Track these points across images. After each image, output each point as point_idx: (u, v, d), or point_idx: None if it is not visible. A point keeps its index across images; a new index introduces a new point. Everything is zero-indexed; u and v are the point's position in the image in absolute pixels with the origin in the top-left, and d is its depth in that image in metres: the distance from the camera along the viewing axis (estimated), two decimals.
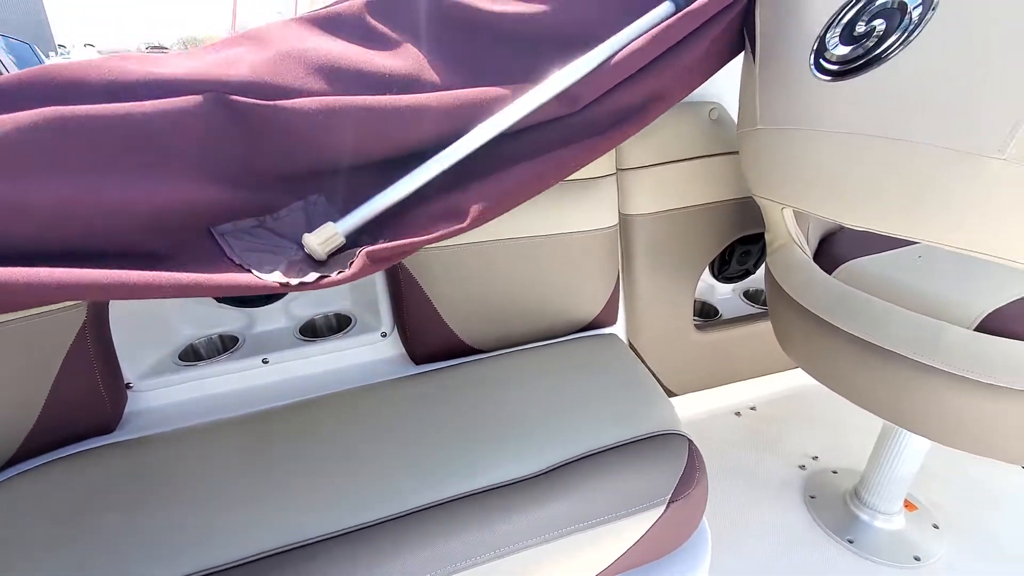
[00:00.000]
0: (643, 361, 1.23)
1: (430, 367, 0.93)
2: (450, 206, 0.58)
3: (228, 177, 0.53)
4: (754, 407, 1.44)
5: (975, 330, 0.70)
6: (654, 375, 1.26)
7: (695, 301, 1.47)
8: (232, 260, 0.52)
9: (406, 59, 0.58)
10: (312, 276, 0.53)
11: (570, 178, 0.94)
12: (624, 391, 0.80)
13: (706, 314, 1.42)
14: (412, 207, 0.60)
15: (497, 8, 0.60)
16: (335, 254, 0.58)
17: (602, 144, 0.63)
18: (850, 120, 0.56)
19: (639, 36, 0.61)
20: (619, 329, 1.21)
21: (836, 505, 1.12)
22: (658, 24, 0.61)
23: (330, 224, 0.57)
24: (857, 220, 0.60)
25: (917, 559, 1.01)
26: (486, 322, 0.95)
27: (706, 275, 1.46)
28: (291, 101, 0.52)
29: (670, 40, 0.60)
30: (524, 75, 0.61)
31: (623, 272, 1.16)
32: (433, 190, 0.59)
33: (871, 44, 0.53)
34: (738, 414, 1.42)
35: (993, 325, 0.70)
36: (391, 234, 0.58)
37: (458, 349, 0.95)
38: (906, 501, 1.11)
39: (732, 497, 1.16)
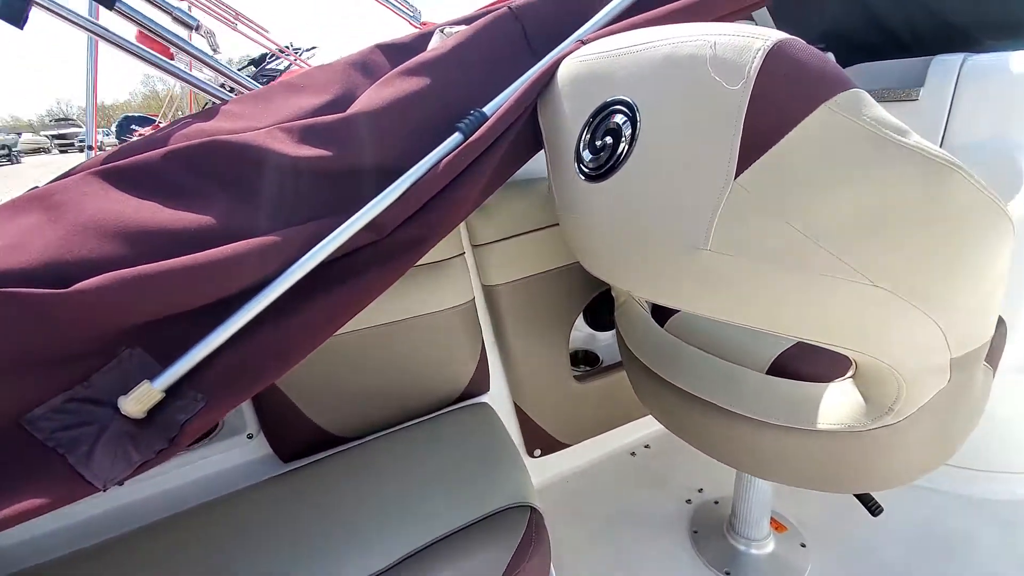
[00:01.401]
0: (530, 419, 1.28)
1: (298, 463, 0.93)
2: (278, 339, 0.60)
3: (25, 362, 0.51)
4: (648, 445, 1.51)
5: (767, 373, 0.79)
6: (544, 431, 1.31)
7: (577, 352, 1.55)
8: (46, 446, 0.51)
9: (213, 208, 0.61)
10: (132, 460, 0.53)
11: (419, 263, 0.99)
12: (481, 466, 0.84)
13: (589, 362, 1.50)
14: (239, 345, 0.60)
15: (293, 152, 0.65)
16: (156, 410, 0.57)
17: (412, 257, 0.68)
18: (606, 212, 0.65)
19: (432, 167, 0.67)
20: (501, 393, 1.25)
21: (716, 537, 1.18)
22: (448, 154, 0.68)
23: (145, 383, 0.56)
24: (632, 289, 0.69)
25: None
26: (351, 411, 0.96)
27: (585, 326, 1.55)
28: (88, 283, 0.51)
29: (460, 167, 0.68)
30: (331, 209, 0.66)
31: (497, 339, 1.22)
32: (258, 326, 0.60)
33: (606, 156, 0.63)
34: (633, 454, 1.48)
35: (780, 368, 0.80)
36: (219, 380, 0.58)
37: (325, 442, 0.96)
38: (774, 522, 1.19)
39: (621, 540, 1.21)
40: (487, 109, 0.71)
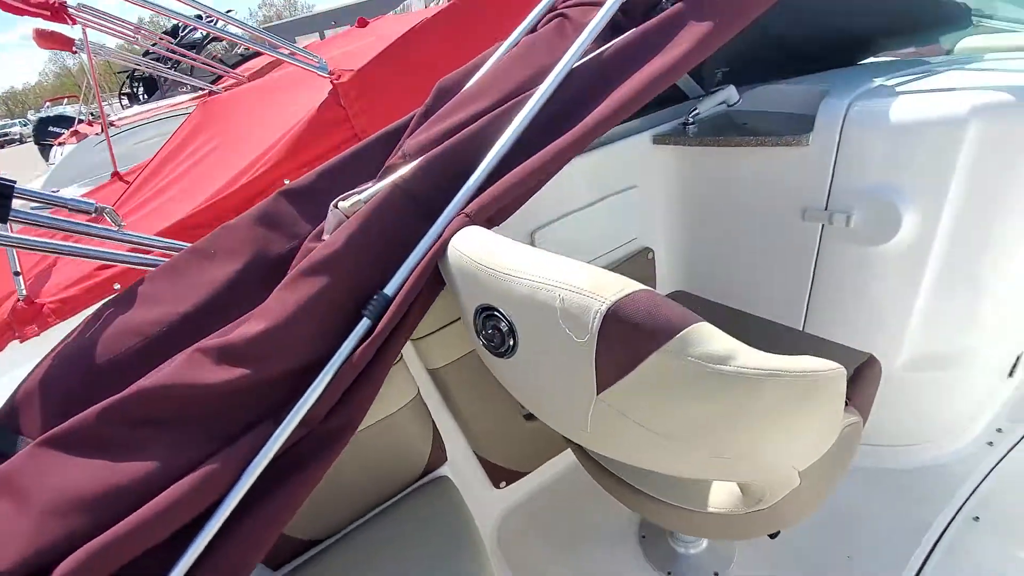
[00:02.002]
0: (491, 461, 1.42)
1: (285, 570, 1.06)
2: (232, 552, 0.69)
3: None
4: None
5: None
6: (504, 467, 1.46)
7: None
8: None
9: (153, 454, 0.68)
10: None
11: None
12: (440, 561, 0.98)
13: None
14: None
15: (214, 378, 0.72)
16: None
17: (345, 438, 0.78)
18: (514, 378, 0.75)
19: (347, 358, 0.75)
20: (460, 449, 1.38)
21: (660, 541, 1.38)
22: (359, 343, 0.76)
23: None
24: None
25: (716, 574, 1.29)
26: (319, 515, 1.08)
27: None
28: (65, 567, 0.59)
29: (371, 354, 0.76)
30: (261, 417, 0.74)
31: (450, 408, 1.33)
32: (209, 551, 0.67)
33: (497, 343, 0.72)
34: None
35: None
36: None
37: (300, 546, 1.08)
38: None
39: (579, 550, 1.40)
40: (389, 289, 0.78)
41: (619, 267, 1.46)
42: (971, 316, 1.28)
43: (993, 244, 1.17)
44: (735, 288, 1.53)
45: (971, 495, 1.36)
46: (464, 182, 0.83)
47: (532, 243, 1.31)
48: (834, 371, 0.69)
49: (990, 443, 1.48)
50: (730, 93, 1.33)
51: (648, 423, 0.63)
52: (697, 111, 1.37)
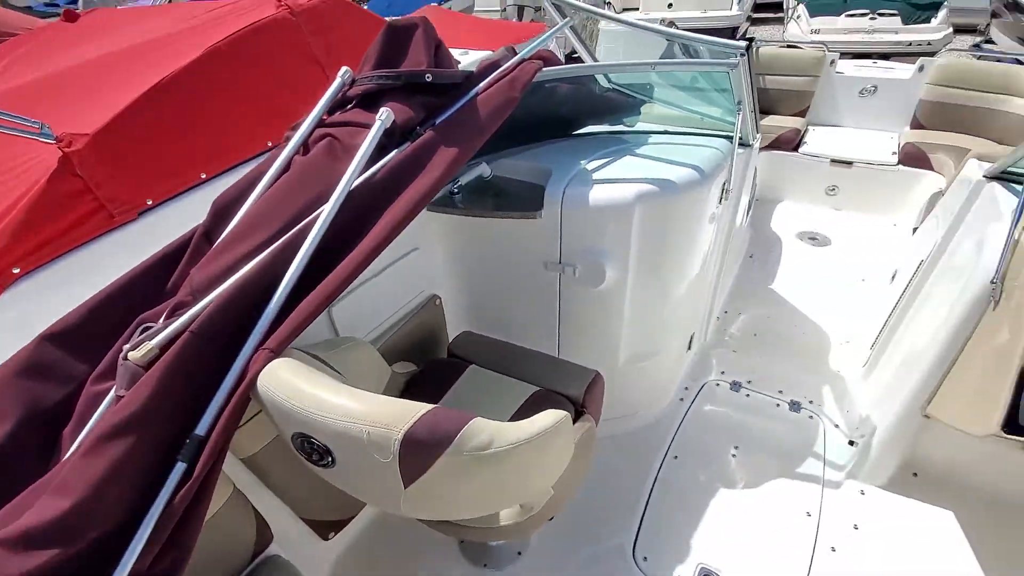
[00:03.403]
0: (317, 520, 1.52)
1: None
2: None
3: None
4: None
5: None
6: (330, 520, 1.57)
7: None
8: None
9: None
10: None
11: None
12: None
13: None
14: None
15: None
16: None
17: None
18: (330, 478, 0.91)
19: (166, 507, 0.80)
20: (287, 523, 1.44)
21: (476, 542, 1.68)
22: (173, 493, 0.81)
23: None
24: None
25: (519, 553, 1.64)
26: None
27: None
28: None
29: (186, 501, 0.82)
30: None
31: (272, 488, 1.38)
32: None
33: (318, 457, 0.86)
34: None
35: None
36: None
37: None
38: None
39: (410, 569, 1.61)
40: (201, 429, 0.84)
41: (414, 317, 1.67)
42: (658, 323, 1.85)
43: (661, 278, 1.71)
44: (509, 324, 1.87)
45: (672, 440, 1.97)
46: (260, 315, 0.92)
47: (331, 319, 1.42)
48: (562, 420, 1.01)
49: (681, 399, 2.14)
50: (484, 168, 1.62)
51: (448, 496, 0.86)
52: (458, 180, 1.63)
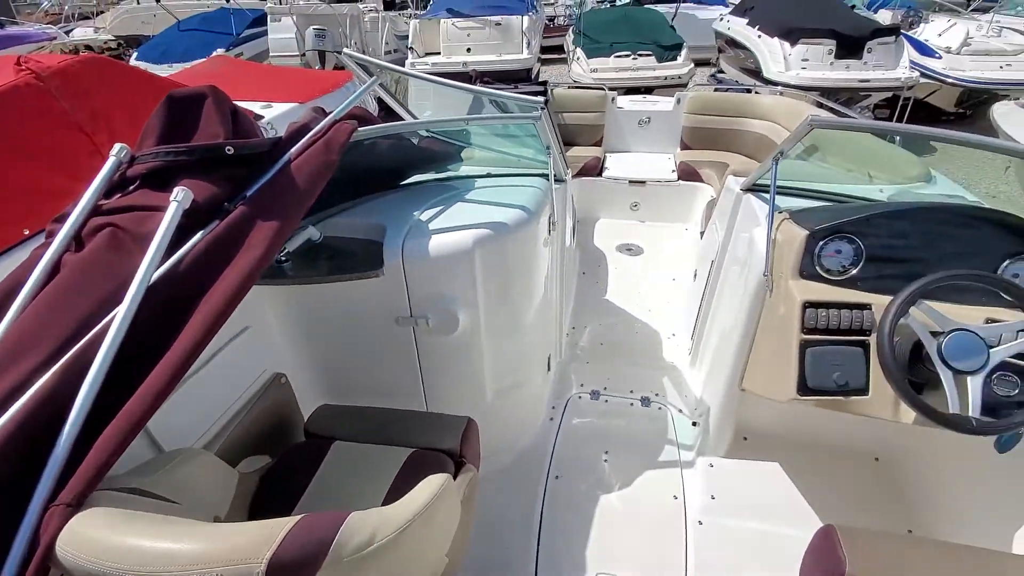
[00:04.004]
0: None
1: None
2: None
3: None
4: None
5: None
6: None
7: None
8: None
9: None
10: None
11: None
12: None
13: None
14: None
15: None
16: None
17: None
18: None
19: None
20: None
21: None
22: None
23: None
24: None
25: None
26: None
27: None
28: None
29: None
30: None
31: None
32: None
33: None
34: None
35: None
36: None
37: None
38: None
39: None
40: None
41: (256, 403, 1.47)
42: (517, 353, 1.91)
43: (512, 311, 1.78)
44: (370, 388, 1.77)
45: (551, 462, 2.03)
46: (47, 461, 0.72)
47: (149, 433, 1.18)
48: (443, 484, 0.97)
49: (551, 419, 2.23)
50: (312, 232, 1.52)
51: None
52: (285, 249, 1.50)
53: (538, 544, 1.73)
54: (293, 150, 1.20)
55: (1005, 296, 1.25)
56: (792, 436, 2.00)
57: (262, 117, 2.93)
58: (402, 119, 2.00)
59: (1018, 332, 1.19)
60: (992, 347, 1.17)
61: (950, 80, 6.85)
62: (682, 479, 1.94)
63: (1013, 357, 1.19)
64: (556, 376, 2.45)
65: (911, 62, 6.73)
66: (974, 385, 1.16)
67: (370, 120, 1.47)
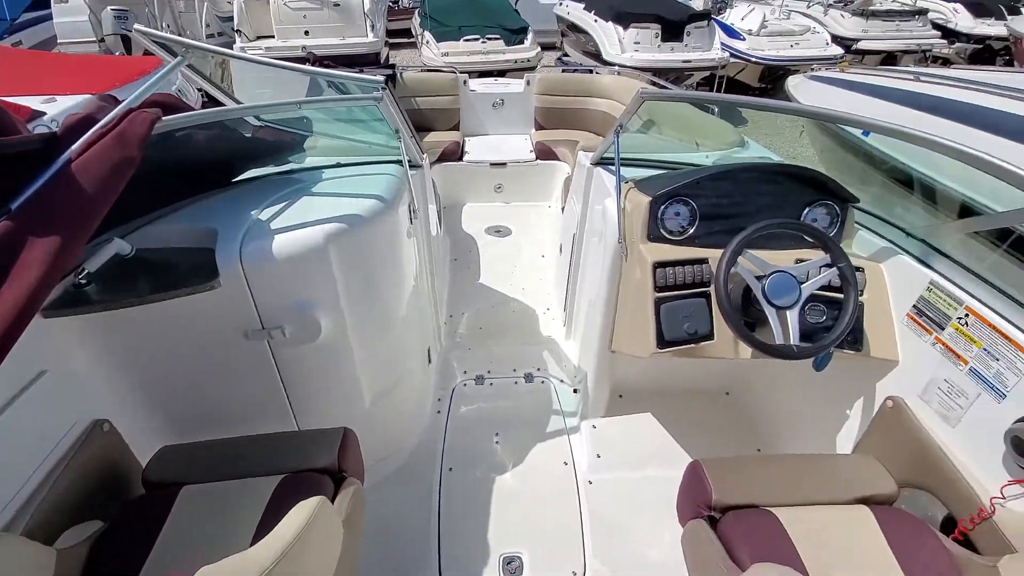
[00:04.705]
0: None
1: None
2: None
3: None
4: None
5: None
6: None
7: None
8: None
9: None
10: None
11: None
12: None
13: None
14: None
15: None
16: None
17: None
18: None
19: None
20: None
21: None
22: None
23: None
24: None
25: None
26: None
27: None
28: None
29: None
30: None
31: None
32: None
33: None
34: None
35: None
36: None
37: None
38: None
39: None
40: None
41: (72, 460, 1.21)
42: (393, 350, 1.82)
43: (381, 307, 1.68)
44: (225, 418, 1.56)
45: (443, 455, 1.99)
46: None
47: None
48: (315, 509, 0.88)
49: (439, 412, 2.18)
50: (120, 245, 1.27)
51: None
52: (84, 269, 1.23)
53: (439, 542, 1.69)
54: (74, 148, 0.98)
55: (808, 239, 1.46)
56: (659, 386, 2.18)
57: (44, 114, 2.40)
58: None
59: (821, 267, 1.39)
60: (802, 283, 1.35)
61: (754, 59, 7.92)
62: (570, 445, 2.02)
63: (819, 289, 1.39)
64: (438, 367, 2.40)
65: (722, 44, 7.66)
66: (792, 317, 1.34)
67: (180, 108, 1.26)
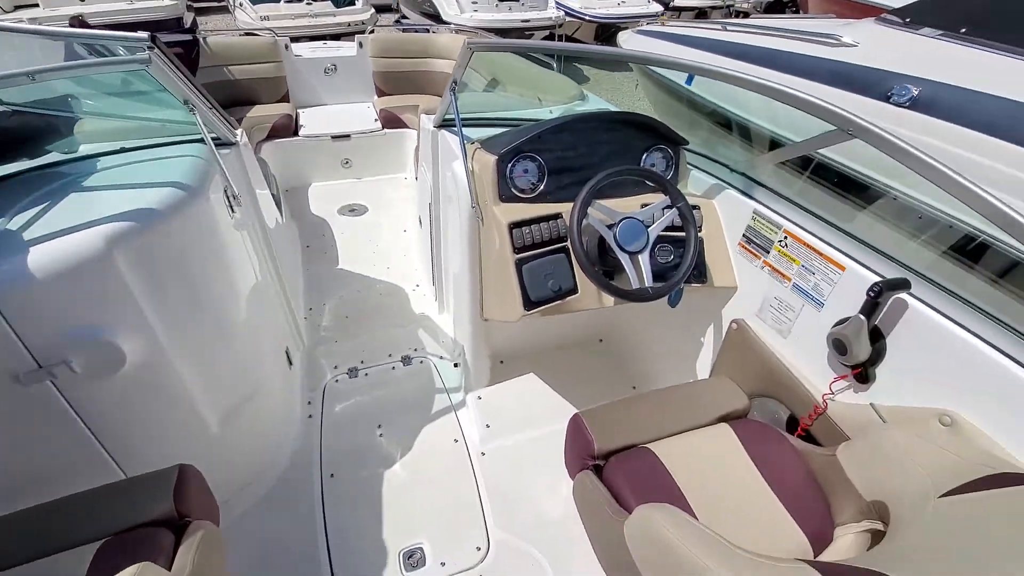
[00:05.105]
0: None
1: None
2: None
3: None
4: None
5: None
6: None
7: None
8: None
9: None
10: None
11: None
12: None
13: None
14: None
15: None
16: None
17: None
18: None
19: None
20: None
21: None
22: None
23: None
24: None
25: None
26: None
27: None
28: None
29: None
30: None
31: None
32: None
33: None
34: None
35: None
36: None
37: None
38: None
39: None
40: None
41: None
42: (237, 360, 1.57)
43: (209, 313, 1.42)
44: (22, 486, 1.22)
45: (321, 460, 1.81)
46: None
47: None
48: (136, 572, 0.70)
49: (310, 416, 1.97)
50: None
51: None
52: None
53: (329, 557, 1.54)
54: None
55: (649, 183, 1.51)
56: (536, 345, 2.20)
57: None
58: None
59: (663, 209, 1.44)
60: (649, 226, 1.40)
61: (587, 17, 8.21)
62: (458, 420, 1.96)
63: (665, 231, 1.45)
64: (303, 367, 2.17)
65: (556, 3, 7.82)
66: (644, 261, 1.38)
67: None
